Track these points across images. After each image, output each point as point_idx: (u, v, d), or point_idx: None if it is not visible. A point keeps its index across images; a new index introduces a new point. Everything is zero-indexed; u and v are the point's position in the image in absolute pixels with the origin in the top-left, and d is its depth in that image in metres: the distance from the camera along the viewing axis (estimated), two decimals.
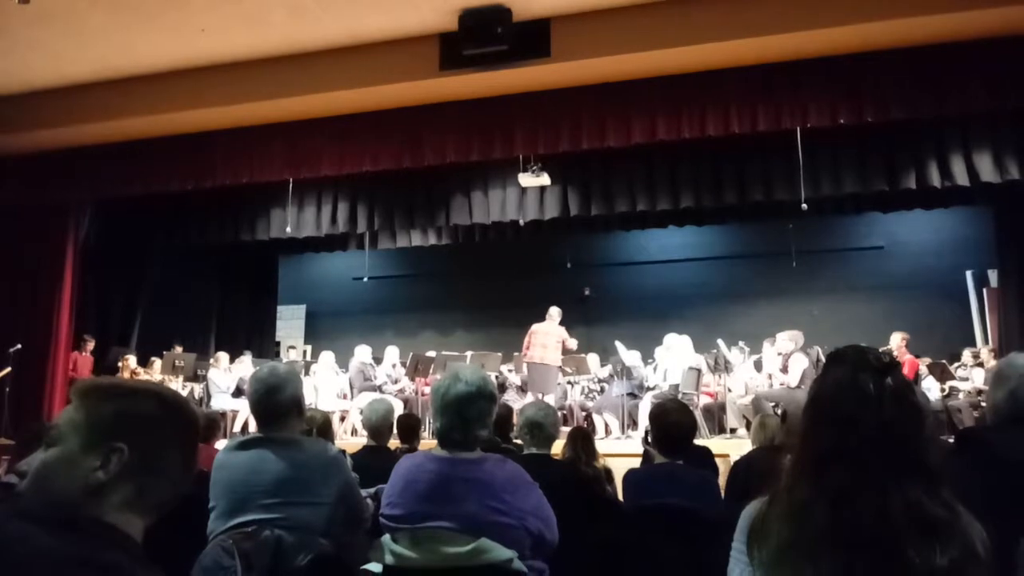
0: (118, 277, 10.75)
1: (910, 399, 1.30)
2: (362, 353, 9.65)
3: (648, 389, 8.40)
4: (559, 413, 7.57)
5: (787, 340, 8.05)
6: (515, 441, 4.72)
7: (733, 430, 8.08)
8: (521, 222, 9.65)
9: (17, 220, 9.02)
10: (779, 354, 8.11)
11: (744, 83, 6.94)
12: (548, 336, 8.79)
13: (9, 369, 8.47)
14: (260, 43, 7.25)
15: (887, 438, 1.25)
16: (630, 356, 8.67)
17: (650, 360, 9.09)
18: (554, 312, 9.00)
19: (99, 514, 1.12)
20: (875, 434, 1.25)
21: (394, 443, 4.52)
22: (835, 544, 1.21)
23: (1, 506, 1.18)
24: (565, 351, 9.01)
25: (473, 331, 12.90)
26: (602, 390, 9.40)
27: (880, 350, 1.37)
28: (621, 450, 6.74)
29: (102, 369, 9.74)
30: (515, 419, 5.30)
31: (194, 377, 9.58)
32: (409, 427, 4.82)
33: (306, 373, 9.58)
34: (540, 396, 8.20)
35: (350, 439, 8.48)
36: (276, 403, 2.50)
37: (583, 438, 4.06)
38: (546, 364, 8.75)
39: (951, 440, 2.75)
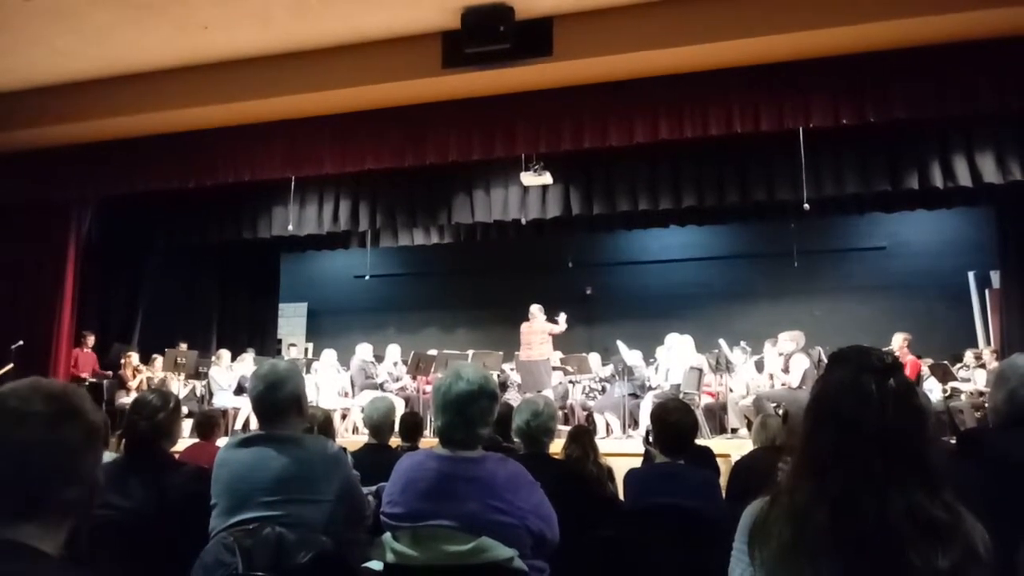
0: (120, 274, 10.75)
1: (912, 400, 1.30)
2: (363, 351, 9.66)
3: (649, 389, 8.39)
4: (559, 412, 7.58)
5: (789, 340, 8.05)
6: (516, 440, 4.72)
7: (734, 430, 8.07)
8: (523, 221, 9.67)
9: (19, 217, 9.02)
10: (780, 354, 8.11)
11: (747, 83, 6.93)
12: (531, 335, 9.16)
13: (11, 366, 8.46)
14: (262, 40, 7.24)
15: (889, 439, 1.25)
16: (632, 356, 8.67)
17: (651, 360, 9.08)
18: (534, 310, 9.35)
19: None
20: (877, 435, 1.25)
21: (395, 441, 4.52)
22: (836, 545, 1.21)
23: None
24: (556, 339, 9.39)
25: (475, 330, 12.89)
26: (603, 390, 9.39)
27: (882, 351, 1.37)
28: (622, 449, 6.74)
29: (104, 366, 9.76)
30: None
31: (196, 375, 9.58)
32: (411, 425, 4.82)
33: (307, 371, 9.57)
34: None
35: (351, 437, 8.48)
36: (277, 400, 2.49)
37: (587, 436, 4.05)
38: (532, 360, 8.97)
39: (953, 441, 2.75)
